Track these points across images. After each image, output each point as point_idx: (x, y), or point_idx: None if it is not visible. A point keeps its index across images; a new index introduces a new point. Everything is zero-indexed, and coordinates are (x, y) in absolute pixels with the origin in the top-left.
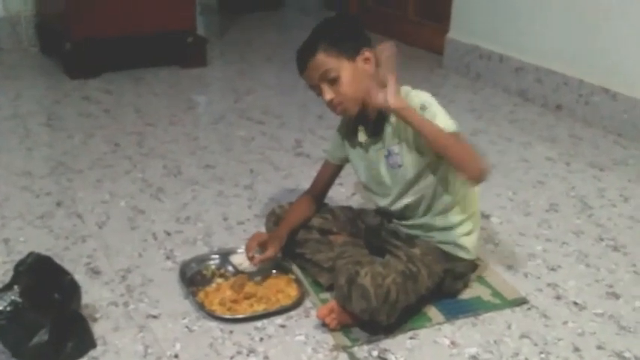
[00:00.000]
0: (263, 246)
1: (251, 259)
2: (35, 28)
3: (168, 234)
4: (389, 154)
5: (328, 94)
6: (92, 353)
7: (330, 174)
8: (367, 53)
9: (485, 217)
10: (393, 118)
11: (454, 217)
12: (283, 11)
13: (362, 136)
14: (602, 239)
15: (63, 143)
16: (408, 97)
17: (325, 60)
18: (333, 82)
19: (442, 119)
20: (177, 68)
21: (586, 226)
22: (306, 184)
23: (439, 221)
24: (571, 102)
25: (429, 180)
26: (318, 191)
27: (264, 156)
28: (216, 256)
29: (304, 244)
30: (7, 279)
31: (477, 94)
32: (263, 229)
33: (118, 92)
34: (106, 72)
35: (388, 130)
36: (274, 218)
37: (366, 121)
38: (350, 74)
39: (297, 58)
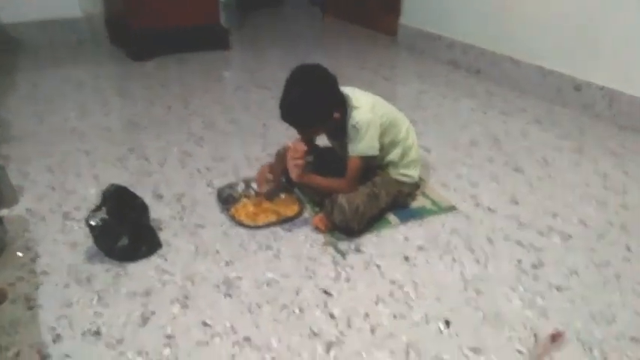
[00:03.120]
0: (270, 172)
1: (261, 186)
2: (105, 23)
3: (208, 169)
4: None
5: (304, 139)
6: (160, 252)
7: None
8: (335, 115)
9: (427, 150)
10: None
11: (398, 161)
12: (282, 7)
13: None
14: (507, 164)
15: (131, 108)
16: (353, 113)
17: (304, 129)
18: (310, 133)
19: (359, 144)
20: (208, 51)
21: (496, 156)
22: None
23: (389, 165)
24: (487, 68)
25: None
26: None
27: (272, 114)
28: (242, 183)
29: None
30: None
31: (421, 65)
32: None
33: (167, 70)
34: (158, 56)
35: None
36: (278, 157)
37: (329, 132)
38: (322, 129)
39: (281, 115)
